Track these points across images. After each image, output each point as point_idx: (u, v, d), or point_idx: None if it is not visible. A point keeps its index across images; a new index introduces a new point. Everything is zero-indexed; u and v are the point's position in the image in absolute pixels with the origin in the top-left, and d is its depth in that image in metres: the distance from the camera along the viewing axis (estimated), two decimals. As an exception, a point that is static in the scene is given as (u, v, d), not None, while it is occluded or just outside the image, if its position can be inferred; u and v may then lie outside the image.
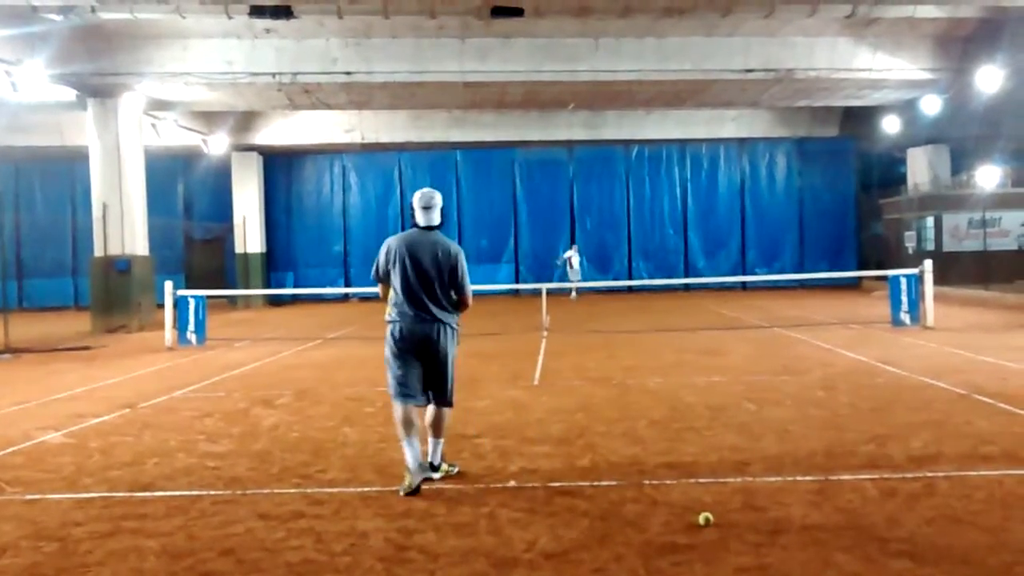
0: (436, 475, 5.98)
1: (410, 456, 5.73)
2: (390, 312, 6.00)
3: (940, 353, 11.98)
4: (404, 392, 5.90)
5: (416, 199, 6.08)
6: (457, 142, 29.09)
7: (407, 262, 5.89)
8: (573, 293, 27.01)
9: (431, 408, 6.06)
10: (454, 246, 6.04)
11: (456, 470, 6.16)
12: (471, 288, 6.10)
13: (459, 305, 6.07)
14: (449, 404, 6.09)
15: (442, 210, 6.11)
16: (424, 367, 5.94)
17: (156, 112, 22.07)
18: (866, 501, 5.25)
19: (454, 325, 6.03)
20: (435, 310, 5.89)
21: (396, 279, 5.93)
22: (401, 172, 31.11)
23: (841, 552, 4.40)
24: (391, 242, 6.04)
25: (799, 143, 30.83)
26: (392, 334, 5.95)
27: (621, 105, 25.43)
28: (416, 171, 31.06)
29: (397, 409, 5.91)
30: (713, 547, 4.53)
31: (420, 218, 6.02)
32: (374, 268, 6.10)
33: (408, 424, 5.83)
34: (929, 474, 5.80)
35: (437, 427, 6.06)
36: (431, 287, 5.89)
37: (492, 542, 4.70)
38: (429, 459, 6.02)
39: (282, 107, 23.62)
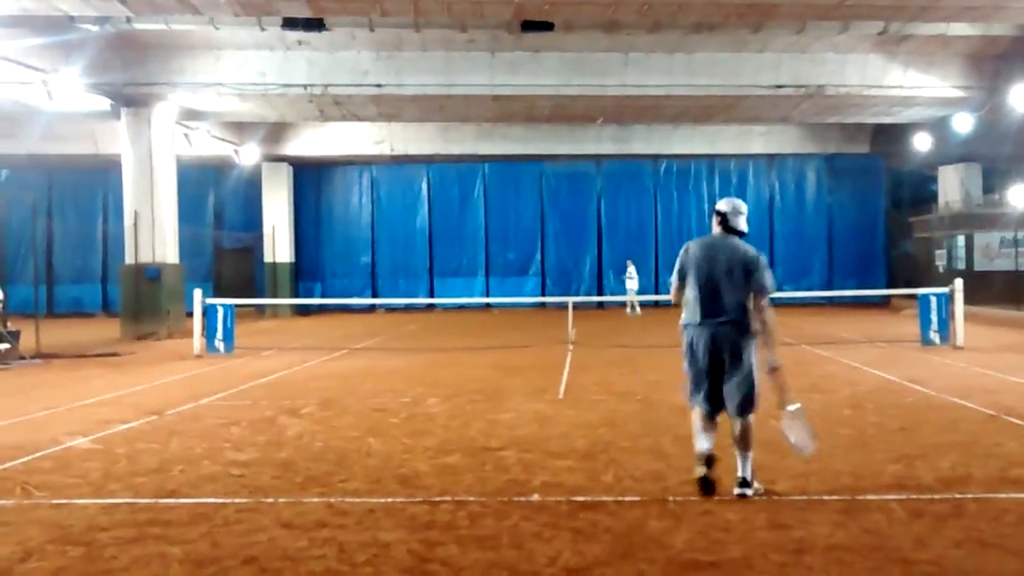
0: (748, 491, 5.72)
1: (698, 446, 5.84)
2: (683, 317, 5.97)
3: (969, 373, 11.83)
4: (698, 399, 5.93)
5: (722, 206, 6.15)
6: (485, 155, 29.16)
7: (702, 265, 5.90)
8: (635, 309, 26.53)
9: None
10: (751, 250, 5.93)
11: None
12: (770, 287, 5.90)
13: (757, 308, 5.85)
14: (743, 412, 5.81)
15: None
16: (717, 372, 5.85)
17: (188, 122, 22.32)
18: (892, 522, 5.18)
19: (751, 328, 5.84)
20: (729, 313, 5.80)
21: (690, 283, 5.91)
22: (429, 184, 31.29)
23: (866, 573, 4.35)
24: (689, 245, 6.08)
25: (829, 159, 30.67)
26: (685, 339, 5.95)
27: (649, 120, 25.45)
28: (444, 183, 31.28)
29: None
30: (737, 565, 4.49)
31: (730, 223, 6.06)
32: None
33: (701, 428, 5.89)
34: (957, 496, 5.72)
35: (738, 440, 5.81)
36: (722, 290, 5.82)
37: (514, 556, 4.69)
38: (740, 473, 5.78)
39: (313, 118, 23.84)
